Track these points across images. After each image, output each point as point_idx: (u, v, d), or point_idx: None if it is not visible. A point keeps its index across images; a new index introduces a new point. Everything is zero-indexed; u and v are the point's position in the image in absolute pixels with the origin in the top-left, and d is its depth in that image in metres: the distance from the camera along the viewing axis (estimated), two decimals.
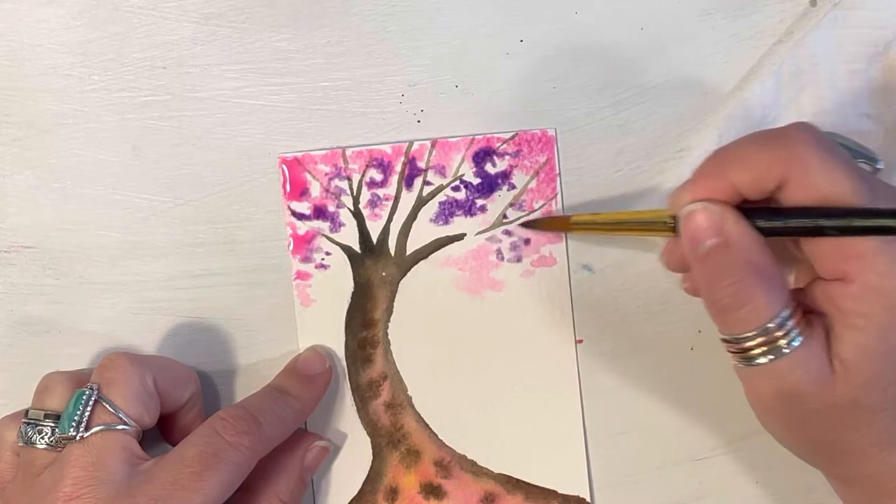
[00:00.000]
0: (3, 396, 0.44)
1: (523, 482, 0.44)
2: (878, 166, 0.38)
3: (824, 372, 0.35)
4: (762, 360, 0.35)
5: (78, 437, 0.37)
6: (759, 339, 0.35)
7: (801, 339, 0.35)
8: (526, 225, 0.44)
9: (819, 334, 0.35)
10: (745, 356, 0.35)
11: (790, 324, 0.35)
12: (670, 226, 0.38)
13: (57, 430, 0.38)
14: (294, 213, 0.44)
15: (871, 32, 0.44)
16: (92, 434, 0.37)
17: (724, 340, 0.36)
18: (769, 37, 0.44)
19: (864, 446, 0.36)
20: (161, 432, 0.42)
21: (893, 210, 0.33)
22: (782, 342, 0.35)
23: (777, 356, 0.35)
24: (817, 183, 0.34)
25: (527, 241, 0.44)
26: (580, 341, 0.45)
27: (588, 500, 0.45)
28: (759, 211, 0.35)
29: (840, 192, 0.34)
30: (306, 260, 0.44)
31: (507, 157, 0.44)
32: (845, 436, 0.36)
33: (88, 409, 0.37)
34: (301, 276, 0.44)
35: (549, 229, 0.44)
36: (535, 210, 0.44)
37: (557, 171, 0.44)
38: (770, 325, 0.34)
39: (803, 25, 0.44)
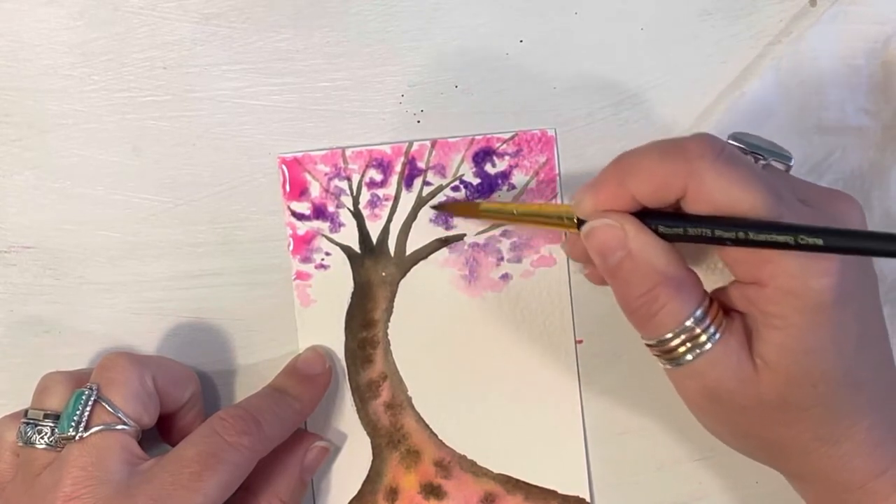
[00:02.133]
0: (3, 396, 0.44)
1: (523, 482, 0.44)
2: (790, 164, 0.38)
3: (746, 368, 0.35)
4: (687, 357, 0.35)
5: (77, 437, 0.37)
6: (680, 339, 0.35)
7: (719, 335, 0.35)
8: (436, 207, 0.44)
9: (739, 332, 0.35)
10: (670, 357, 0.36)
11: (707, 321, 0.35)
12: (574, 222, 0.38)
13: (56, 430, 0.38)
14: (294, 214, 0.44)
15: (869, 28, 0.44)
16: (91, 434, 0.37)
17: (649, 345, 0.37)
18: (769, 36, 0.44)
19: (806, 442, 0.36)
20: (160, 432, 0.42)
21: (786, 225, 0.33)
22: (703, 338, 0.35)
23: (699, 353, 0.35)
24: (714, 196, 0.34)
25: (527, 242, 0.44)
26: (580, 341, 0.45)
27: (588, 500, 0.45)
28: (660, 216, 0.36)
29: (737, 204, 0.34)
30: (306, 260, 0.44)
31: (506, 158, 0.44)
32: (782, 432, 0.36)
33: (88, 408, 0.37)
34: (301, 276, 0.44)
35: (458, 214, 0.44)
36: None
37: (557, 171, 0.44)
38: (687, 323, 0.35)
39: (803, 25, 0.44)
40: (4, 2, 0.43)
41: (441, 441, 0.44)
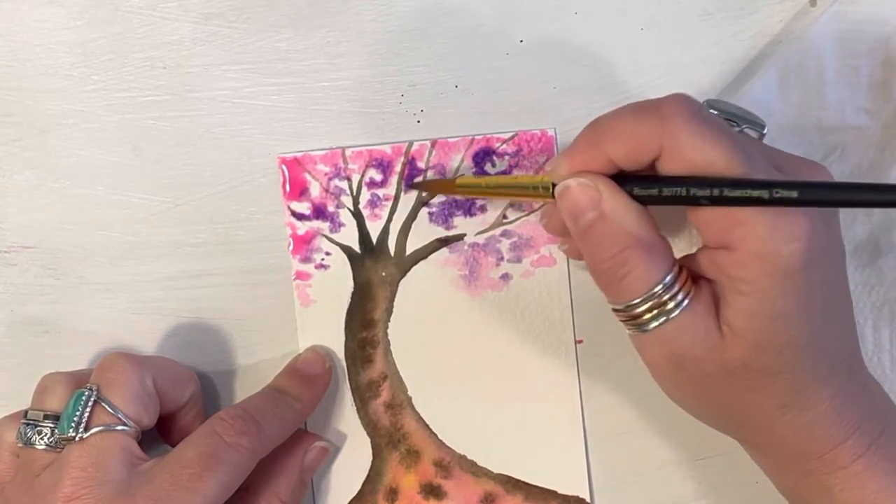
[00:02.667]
0: (3, 397, 0.44)
1: (523, 482, 0.44)
2: (763, 132, 0.38)
3: (712, 336, 0.35)
4: (653, 324, 0.35)
5: (77, 438, 0.37)
6: (647, 305, 0.35)
7: (687, 302, 0.35)
8: (413, 185, 0.44)
9: (706, 299, 0.35)
10: (635, 323, 0.36)
11: (675, 287, 0.35)
12: (549, 192, 0.38)
13: (56, 430, 0.38)
14: (294, 214, 0.44)
15: (869, 28, 0.44)
16: (91, 435, 0.37)
17: (615, 310, 0.37)
18: (769, 36, 0.44)
19: (769, 409, 0.36)
20: (160, 433, 0.42)
21: (761, 181, 0.33)
22: (670, 305, 0.35)
23: (665, 320, 0.35)
24: (689, 155, 0.34)
25: (527, 242, 0.44)
26: (580, 341, 0.45)
27: (588, 500, 0.45)
28: (635, 179, 0.36)
29: (712, 163, 0.34)
30: (306, 260, 0.44)
31: (506, 157, 0.44)
32: (746, 399, 0.36)
33: (88, 409, 0.37)
34: (301, 276, 0.44)
35: (434, 191, 0.44)
36: (535, 210, 0.44)
37: None
38: (656, 289, 0.35)
39: (803, 25, 0.44)
40: (4, 2, 0.43)
41: (441, 441, 0.44)
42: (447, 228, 0.44)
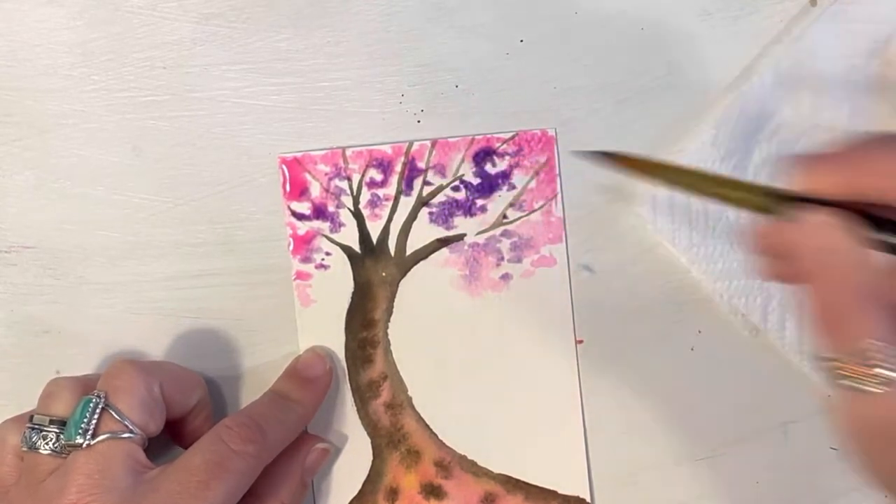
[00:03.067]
0: (3, 397, 0.44)
1: (523, 482, 0.44)
2: None
3: None
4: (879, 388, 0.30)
5: (85, 445, 0.37)
6: (885, 358, 0.30)
7: None
8: (602, 154, 0.38)
9: None
10: (859, 380, 0.30)
11: None
12: (776, 206, 0.33)
13: (62, 436, 0.38)
14: (294, 214, 0.44)
15: (869, 27, 0.44)
16: (98, 442, 0.37)
17: (830, 359, 0.31)
18: (769, 36, 0.44)
19: None
20: (171, 436, 0.42)
21: None
22: None
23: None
24: None
25: (527, 242, 0.44)
26: (580, 341, 0.45)
27: (588, 500, 0.45)
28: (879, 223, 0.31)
29: None
30: (306, 260, 0.44)
31: (507, 157, 0.44)
32: None
33: (96, 416, 0.37)
34: (301, 276, 0.44)
35: (626, 167, 0.38)
36: (535, 210, 0.44)
37: (557, 171, 0.44)
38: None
39: (803, 25, 0.44)
40: (4, 2, 0.43)
41: (441, 441, 0.44)
42: (447, 228, 0.44)
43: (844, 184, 0.31)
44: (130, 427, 0.38)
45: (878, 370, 0.30)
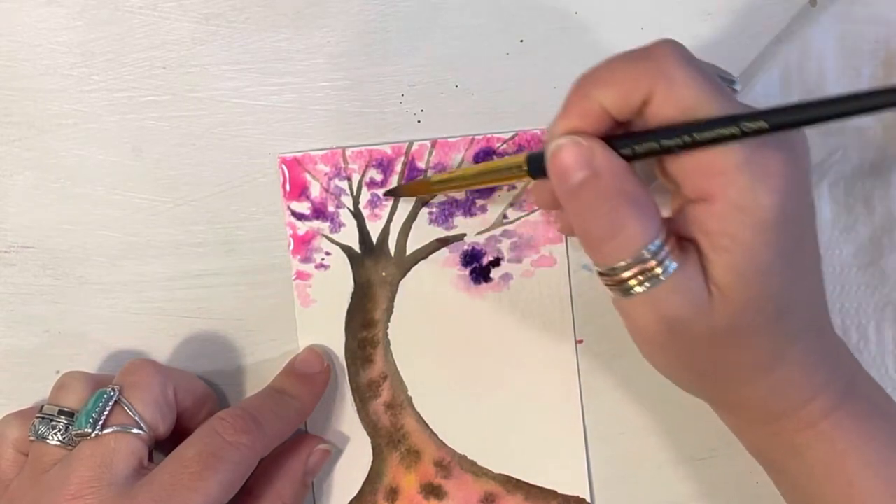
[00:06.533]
0: (3, 397, 0.44)
1: (523, 482, 0.44)
2: (735, 87, 0.38)
3: (701, 297, 0.34)
4: (643, 287, 0.34)
5: (93, 435, 0.37)
6: (636, 269, 0.34)
7: (675, 265, 0.34)
8: (389, 193, 0.44)
9: (693, 260, 0.34)
10: (622, 287, 0.35)
11: (664, 250, 0.34)
12: (524, 170, 0.38)
13: (71, 427, 0.38)
14: (294, 213, 0.44)
15: (869, 28, 0.44)
16: (106, 434, 0.37)
17: (601, 274, 0.36)
18: (769, 37, 0.44)
19: (747, 369, 0.36)
20: (175, 447, 0.42)
21: (729, 116, 0.32)
22: (658, 269, 0.34)
23: (654, 284, 0.34)
24: (682, 95, 0.33)
25: (527, 242, 0.44)
26: (580, 341, 0.45)
27: (588, 500, 0.45)
28: (622, 138, 0.35)
29: (701, 104, 0.33)
30: (306, 260, 0.44)
31: (507, 157, 0.44)
32: (727, 360, 0.36)
33: (108, 408, 0.38)
34: (301, 276, 0.44)
35: (412, 194, 0.43)
36: (536, 210, 0.44)
37: None
38: (644, 252, 0.34)
39: (804, 25, 0.44)
40: (4, 2, 0.43)
41: (441, 441, 0.44)
42: (447, 228, 0.44)
43: (581, 113, 0.35)
44: (140, 423, 0.38)
45: (634, 277, 0.34)
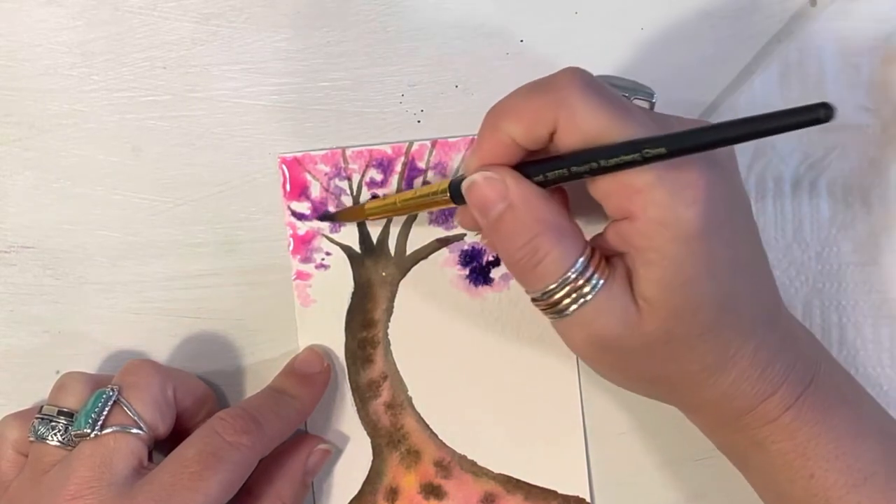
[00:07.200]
0: (3, 397, 0.44)
1: (523, 482, 0.44)
2: (653, 101, 0.39)
3: (630, 312, 0.35)
4: (572, 308, 0.35)
5: (93, 435, 0.37)
6: (564, 290, 0.35)
7: (602, 282, 0.35)
8: (322, 218, 0.44)
9: (621, 276, 0.35)
10: (555, 310, 0.36)
11: (590, 269, 0.35)
12: (446, 197, 0.38)
13: (70, 427, 0.38)
14: (294, 213, 0.44)
15: (869, 26, 0.44)
16: (105, 434, 0.37)
17: (534, 300, 0.36)
18: (769, 36, 0.44)
19: (694, 374, 0.36)
20: (173, 447, 0.41)
21: (630, 143, 0.33)
22: (585, 288, 0.35)
23: (583, 302, 0.35)
24: (582, 125, 0.34)
25: None
26: None
27: (588, 500, 0.45)
28: (535, 164, 0.36)
29: (605, 131, 0.34)
30: (306, 260, 0.44)
31: None
32: (670, 368, 0.36)
33: (107, 408, 0.38)
34: (301, 276, 0.44)
35: (347, 219, 0.44)
36: None
37: None
38: (570, 274, 0.35)
39: (803, 25, 0.44)
40: (4, 2, 0.43)
41: (441, 441, 0.44)
42: (447, 228, 0.44)
43: (492, 148, 0.36)
44: (140, 423, 0.38)
45: (563, 300, 0.35)
